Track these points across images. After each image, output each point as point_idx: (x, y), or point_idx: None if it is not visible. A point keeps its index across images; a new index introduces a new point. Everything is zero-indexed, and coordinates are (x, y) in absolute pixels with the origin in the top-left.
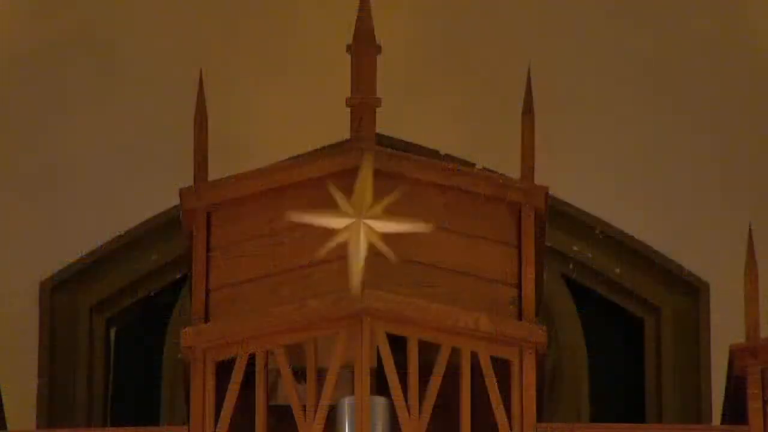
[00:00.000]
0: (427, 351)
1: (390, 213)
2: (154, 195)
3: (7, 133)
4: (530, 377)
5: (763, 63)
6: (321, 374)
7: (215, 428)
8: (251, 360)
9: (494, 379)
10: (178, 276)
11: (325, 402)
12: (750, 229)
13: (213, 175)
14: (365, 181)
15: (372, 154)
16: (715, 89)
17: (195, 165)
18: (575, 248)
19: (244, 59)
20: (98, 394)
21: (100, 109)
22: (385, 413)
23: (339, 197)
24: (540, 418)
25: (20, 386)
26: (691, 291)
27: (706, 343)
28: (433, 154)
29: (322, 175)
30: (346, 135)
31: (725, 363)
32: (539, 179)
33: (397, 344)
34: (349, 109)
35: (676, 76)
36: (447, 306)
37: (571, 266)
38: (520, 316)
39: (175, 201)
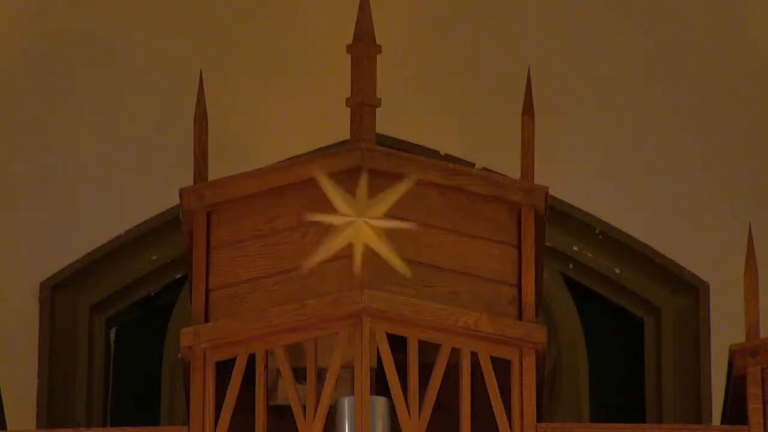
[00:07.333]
0: (427, 351)
1: (390, 213)
2: (154, 195)
3: (7, 133)
4: (530, 377)
5: (763, 64)
6: (321, 374)
7: (215, 428)
8: (251, 360)
9: (494, 379)
10: (178, 276)
11: (325, 402)
12: (750, 229)
13: (213, 175)
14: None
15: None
16: (715, 89)
17: (195, 165)
18: (575, 248)
19: (244, 59)
20: (98, 394)
21: (100, 109)
22: (385, 413)
23: (340, 196)
24: (540, 418)
25: (20, 386)
26: (691, 291)
27: (706, 343)
28: (433, 154)
29: None
30: (346, 135)
31: (725, 363)
32: (539, 179)
33: (397, 344)
34: (349, 109)
35: (675, 77)
36: (447, 306)
37: (571, 266)
38: (520, 316)
39: (175, 201)
